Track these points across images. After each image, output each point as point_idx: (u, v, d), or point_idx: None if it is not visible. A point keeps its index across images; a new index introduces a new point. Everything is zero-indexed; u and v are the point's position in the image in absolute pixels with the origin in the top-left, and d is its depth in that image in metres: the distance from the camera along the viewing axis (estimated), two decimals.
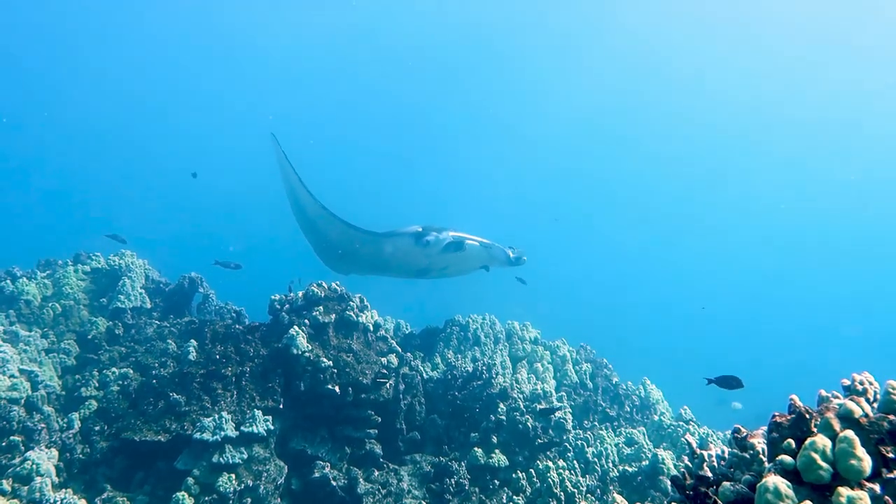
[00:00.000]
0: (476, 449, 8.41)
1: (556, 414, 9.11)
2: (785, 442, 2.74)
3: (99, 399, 8.24)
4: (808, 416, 2.78)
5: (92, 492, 7.15)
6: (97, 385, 8.41)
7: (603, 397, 10.76)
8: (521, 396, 9.24)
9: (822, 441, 2.60)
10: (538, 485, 7.73)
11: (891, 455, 2.60)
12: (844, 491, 2.46)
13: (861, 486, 2.52)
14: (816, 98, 49.16)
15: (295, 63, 57.12)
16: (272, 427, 7.73)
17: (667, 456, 8.08)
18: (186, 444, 7.38)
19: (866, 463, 2.52)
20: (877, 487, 2.53)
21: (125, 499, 7.04)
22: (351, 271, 12.43)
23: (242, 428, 7.51)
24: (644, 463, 8.41)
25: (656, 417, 10.17)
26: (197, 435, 7.27)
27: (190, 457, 7.28)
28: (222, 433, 7.31)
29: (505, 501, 7.84)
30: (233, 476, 7.15)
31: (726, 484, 2.85)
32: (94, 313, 9.71)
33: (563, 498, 7.41)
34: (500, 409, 8.78)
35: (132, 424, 7.57)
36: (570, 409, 9.80)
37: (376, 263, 11.63)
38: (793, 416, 2.84)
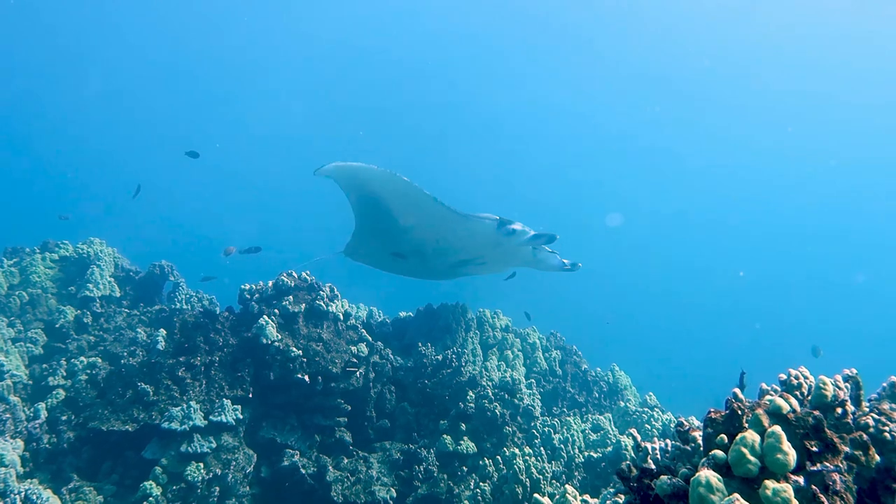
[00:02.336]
0: (445, 436, 8.51)
1: (525, 401, 9.27)
2: (718, 437, 2.85)
3: (67, 388, 8.22)
4: (740, 412, 2.89)
5: (58, 482, 7.16)
6: (65, 374, 8.38)
7: (572, 384, 10.92)
8: (490, 384, 9.36)
9: (751, 436, 2.71)
10: (504, 471, 7.87)
11: (814, 449, 2.72)
12: (770, 484, 2.58)
13: (786, 479, 2.64)
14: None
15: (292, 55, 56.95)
16: (241, 416, 7.79)
17: (629, 442, 8.25)
18: (155, 434, 7.41)
19: (791, 457, 2.63)
20: (801, 479, 2.65)
21: (92, 488, 7.06)
22: (379, 263, 11.53)
23: (211, 417, 7.55)
24: (608, 449, 8.58)
25: (622, 404, 10.36)
26: (165, 424, 7.30)
27: (158, 446, 7.31)
28: (191, 422, 7.35)
29: (472, 488, 7.97)
30: (201, 465, 7.21)
31: (663, 477, 2.96)
32: (63, 302, 9.65)
33: (528, 484, 7.54)
34: (468, 397, 8.89)
35: (100, 414, 7.57)
36: (539, 396, 9.96)
37: (425, 249, 10.54)
38: (727, 412, 2.95)
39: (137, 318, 9.72)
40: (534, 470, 7.66)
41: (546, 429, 9.00)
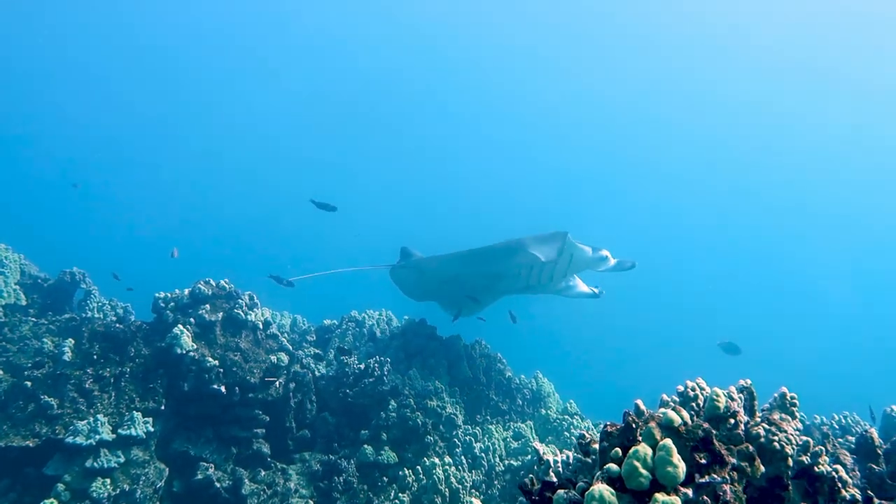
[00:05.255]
0: (366, 446, 8.43)
1: (448, 409, 9.26)
2: (613, 450, 2.89)
3: None
4: (634, 425, 2.94)
5: None
6: None
7: (496, 391, 10.97)
8: (412, 393, 9.32)
9: (643, 449, 2.76)
10: (424, 481, 7.84)
11: (703, 461, 2.79)
12: (660, 496, 2.63)
13: (676, 491, 2.69)
14: None
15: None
16: (152, 429, 7.51)
17: (548, 450, 8.33)
18: (58, 449, 7.07)
19: (681, 469, 2.69)
20: (689, 491, 2.71)
21: None
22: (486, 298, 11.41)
23: (120, 431, 7.26)
24: (528, 457, 8.65)
25: (544, 411, 10.47)
26: (69, 439, 6.98)
27: (61, 462, 6.98)
28: (97, 436, 7.05)
29: (392, 498, 7.90)
30: (108, 480, 6.91)
31: (560, 491, 2.98)
32: None
33: (447, 494, 7.55)
34: (391, 406, 8.83)
35: None
36: (462, 404, 9.98)
37: (508, 273, 10.36)
38: (622, 425, 3.00)
39: (45, 328, 9.24)
40: (453, 479, 7.67)
41: (468, 437, 9.01)
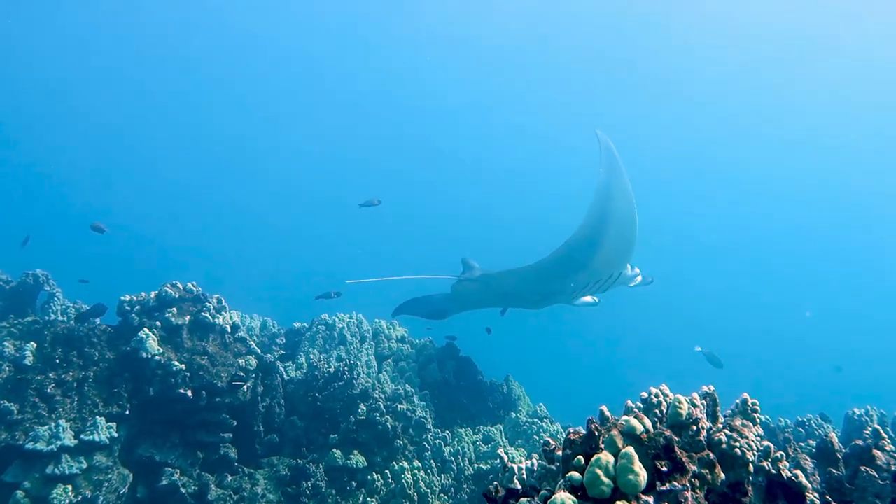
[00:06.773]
0: (335, 450, 8.38)
1: (418, 413, 9.24)
2: (576, 458, 2.89)
3: None
4: (597, 433, 2.95)
5: None
6: None
7: (466, 395, 10.98)
8: (382, 396, 9.29)
9: (606, 457, 2.77)
10: (393, 486, 7.81)
11: (664, 469, 2.81)
12: None
13: (637, 499, 2.71)
14: None
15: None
16: (116, 434, 7.39)
17: (517, 454, 8.37)
18: (18, 456, 6.92)
19: (642, 477, 2.70)
20: (651, 500, 2.73)
21: None
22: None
23: (82, 436, 7.13)
24: (497, 461, 8.66)
25: (514, 415, 10.50)
26: (29, 445, 6.83)
27: (21, 468, 6.83)
28: (59, 442, 6.91)
29: (360, 503, 7.86)
30: (69, 487, 6.79)
31: (523, 500, 2.99)
32: None
33: (416, 498, 7.53)
34: (360, 410, 8.78)
35: None
36: (432, 408, 9.97)
37: (566, 286, 10.24)
38: (585, 432, 3.01)
39: (6, 331, 9.03)
40: (422, 484, 7.65)
41: (437, 441, 9.00)
